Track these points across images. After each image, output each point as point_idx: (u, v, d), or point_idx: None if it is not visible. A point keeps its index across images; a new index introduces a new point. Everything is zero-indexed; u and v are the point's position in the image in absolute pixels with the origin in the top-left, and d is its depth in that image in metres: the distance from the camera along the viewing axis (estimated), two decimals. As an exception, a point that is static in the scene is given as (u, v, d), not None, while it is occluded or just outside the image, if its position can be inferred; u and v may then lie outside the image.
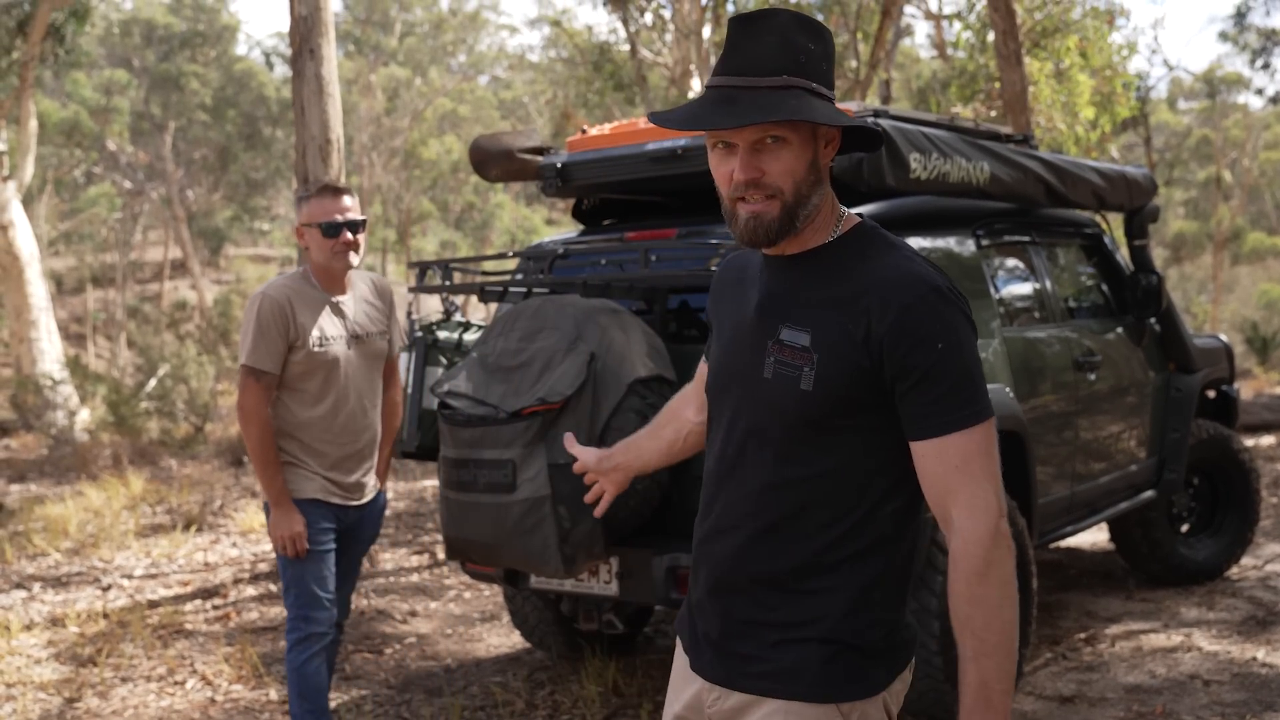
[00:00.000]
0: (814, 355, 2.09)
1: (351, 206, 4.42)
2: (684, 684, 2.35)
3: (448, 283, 5.40)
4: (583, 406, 4.41)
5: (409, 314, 5.48)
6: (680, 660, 2.39)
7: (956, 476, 2.07)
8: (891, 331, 2.05)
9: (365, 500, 4.60)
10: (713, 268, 4.73)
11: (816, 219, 2.17)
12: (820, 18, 19.46)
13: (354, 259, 4.41)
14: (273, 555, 8.78)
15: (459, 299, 5.74)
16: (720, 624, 2.25)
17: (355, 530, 4.62)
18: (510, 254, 5.54)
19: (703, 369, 2.58)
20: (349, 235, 4.36)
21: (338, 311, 4.43)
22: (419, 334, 5.31)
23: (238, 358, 19.82)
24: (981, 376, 2.10)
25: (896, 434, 2.13)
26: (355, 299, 4.51)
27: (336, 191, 4.40)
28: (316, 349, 4.31)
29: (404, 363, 5.30)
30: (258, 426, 4.27)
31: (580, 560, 4.50)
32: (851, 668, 2.15)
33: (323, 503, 4.43)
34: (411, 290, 5.53)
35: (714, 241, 4.85)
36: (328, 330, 4.37)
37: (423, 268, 5.52)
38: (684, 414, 2.70)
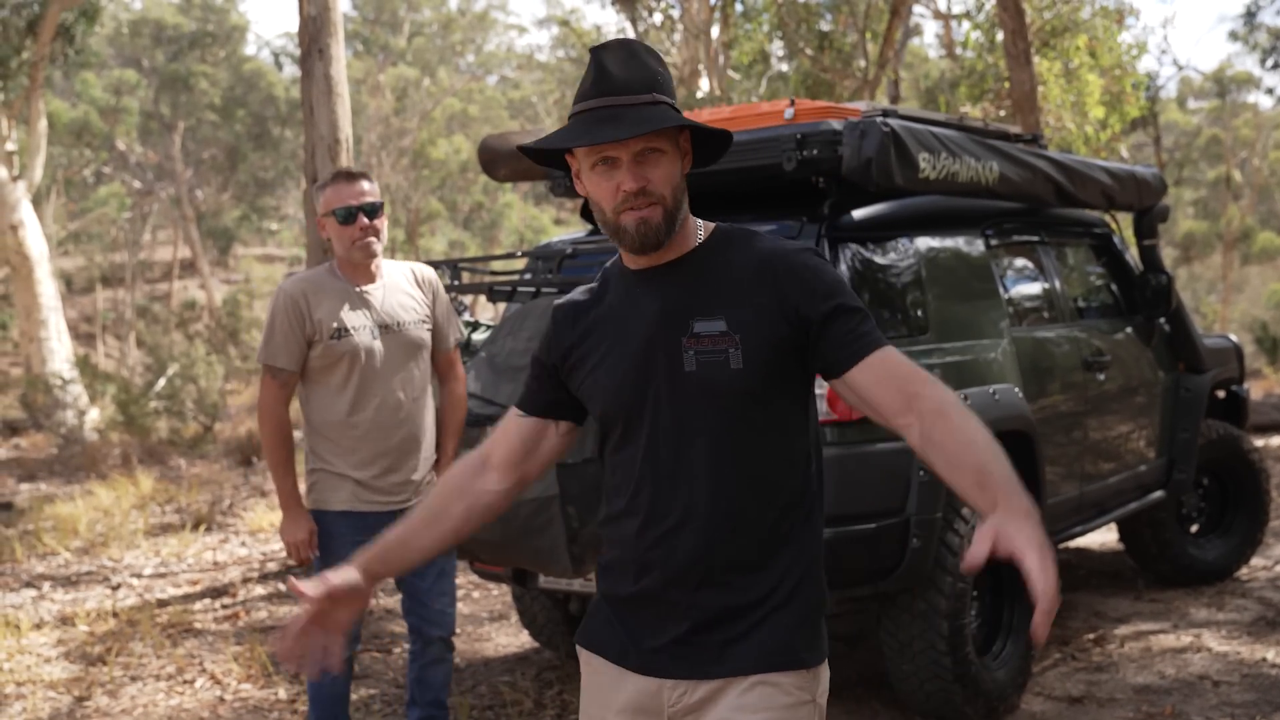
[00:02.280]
0: (735, 336, 2.25)
1: (368, 191, 4.24)
2: (613, 691, 2.36)
3: (456, 282, 5.40)
4: None
5: None
6: (599, 669, 2.39)
7: (901, 370, 2.24)
8: (800, 290, 2.25)
9: (416, 499, 4.32)
10: None
11: (685, 225, 2.34)
12: (828, 17, 19.46)
13: (376, 246, 4.24)
14: (282, 554, 8.79)
15: (467, 299, 5.71)
16: (688, 619, 2.28)
17: None
18: (519, 253, 5.54)
19: (511, 425, 2.55)
20: (365, 220, 4.19)
21: (363, 301, 4.24)
22: None
23: (248, 357, 19.78)
24: None
25: (809, 396, 2.36)
26: (386, 288, 4.31)
27: (351, 176, 4.25)
28: (333, 340, 4.15)
29: None
30: (271, 425, 4.16)
31: (589, 560, 4.50)
32: (813, 631, 2.32)
33: (353, 514, 4.22)
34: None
35: None
36: (350, 321, 4.19)
37: (433, 268, 5.52)
38: (477, 486, 2.47)
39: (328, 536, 4.22)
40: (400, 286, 4.35)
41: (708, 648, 2.26)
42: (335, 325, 4.16)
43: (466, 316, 5.54)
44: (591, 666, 2.40)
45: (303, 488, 4.35)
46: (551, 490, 4.31)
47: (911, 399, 2.20)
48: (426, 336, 4.36)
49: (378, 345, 4.21)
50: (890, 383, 2.22)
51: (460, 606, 7.34)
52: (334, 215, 4.19)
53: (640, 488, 2.32)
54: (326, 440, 4.23)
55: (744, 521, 2.27)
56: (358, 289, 4.25)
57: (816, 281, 2.26)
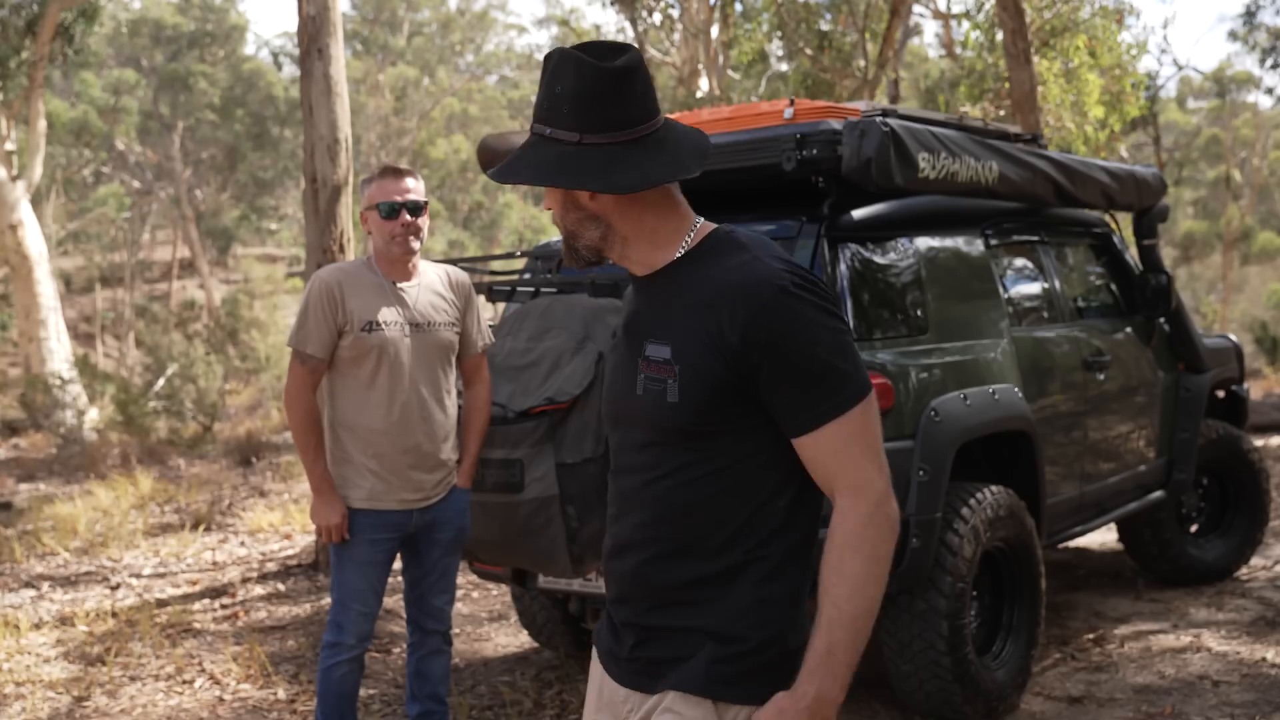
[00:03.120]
0: (675, 367, 2.12)
1: (413, 189, 4.25)
2: (600, 688, 2.37)
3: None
4: (591, 406, 4.41)
5: None
6: (596, 664, 2.41)
7: (836, 462, 2.10)
8: (743, 339, 2.07)
9: (436, 499, 4.35)
10: None
11: (644, 238, 2.22)
12: (828, 17, 19.46)
13: (415, 243, 4.24)
14: (282, 554, 8.79)
15: None
16: (632, 634, 2.27)
17: (429, 532, 4.38)
18: (518, 253, 5.54)
19: None
20: (408, 217, 4.20)
21: (398, 298, 4.24)
22: None
23: (247, 357, 19.72)
24: (848, 357, 2.11)
25: (776, 428, 2.15)
26: (421, 287, 4.31)
27: (398, 173, 4.25)
28: (364, 333, 4.14)
29: None
30: (299, 411, 4.16)
31: (588, 560, 4.49)
32: (741, 669, 2.16)
33: (372, 511, 4.24)
34: None
35: None
36: (382, 315, 4.18)
37: None
38: None
39: (351, 532, 4.26)
40: (434, 287, 4.35)
41: (647, 663, 2.24)
42: (367, 318, 4.16)
43: None
44: (595, 660, 2.41)
45: None
46: (551, 490, 4.31)
47: (831, 500, 2.13)
48: (455, 340, 4.37)
49: (407, 343, 4.21)
50: (819, 471, 2.13)
51: (459, 607, 7.34)
52: (377, 209, 4.21)
53: (613, 501, 2.32)
54: (349, 434, 4.23)
55: (682, 550, 2.18)
56: (393, 285, 4.26)
57: (771, 331, 2.06)
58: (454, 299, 4.39)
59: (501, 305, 5.54)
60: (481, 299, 5.10)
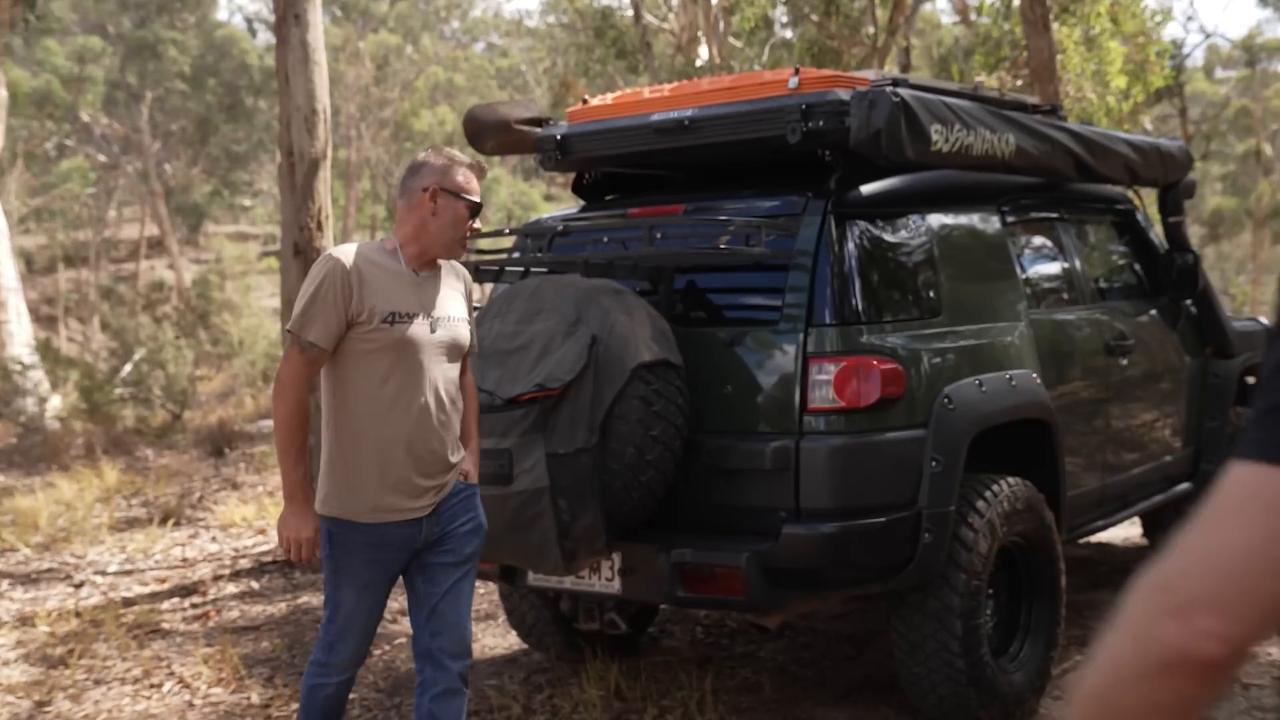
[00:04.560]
0: None
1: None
2: None
3: None
4: (584, 393, 4.40)
5: None
6: None
7: None
8: None
9: (441, 504, 4.08)
10: (722, 245, 4.73)
11: None
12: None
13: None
14: (256, 550, 8.78)
15: None
16: None
17: (441, 546, 4.08)
18: (507, 231, 5.53)
19: None
20: (475, 220, 4.09)
21: (420, 288, 4.03)
22: None
23: (219, 341, 19.52)
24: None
25: None
26: (441, 279, 4.13)
27: (482, 173, 4.12)
28: (385, 325, 3.92)
29: None
30: (290, 403, 3.86)
31: (581, 556, 4.49)
32: None
33: (373, 526, 3.98)
34: None
35: (723, 218, 4.84)
36: (404, 306, 3.97)
37: None
38: None
39: (343, 547, 3.99)
40: (449, 280, 4.18)
41: None
42: (390, 309, 3.94)
43: None
44: None
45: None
46: (542, 482, 4.31)
47: None
48: (468, 334, 4.19)
49: (430, 338, 4.01)
50: None
51: (445, 605, 7.33)
52: (463, 200, 4.02)
53: None
54: (353, 438, 3.96)
55: None
56: (415, 273, 4.05)
57: None
58: (463, 290, 4.23)
59: (489, 286, 5.53)
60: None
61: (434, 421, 3.99)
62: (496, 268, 5.25)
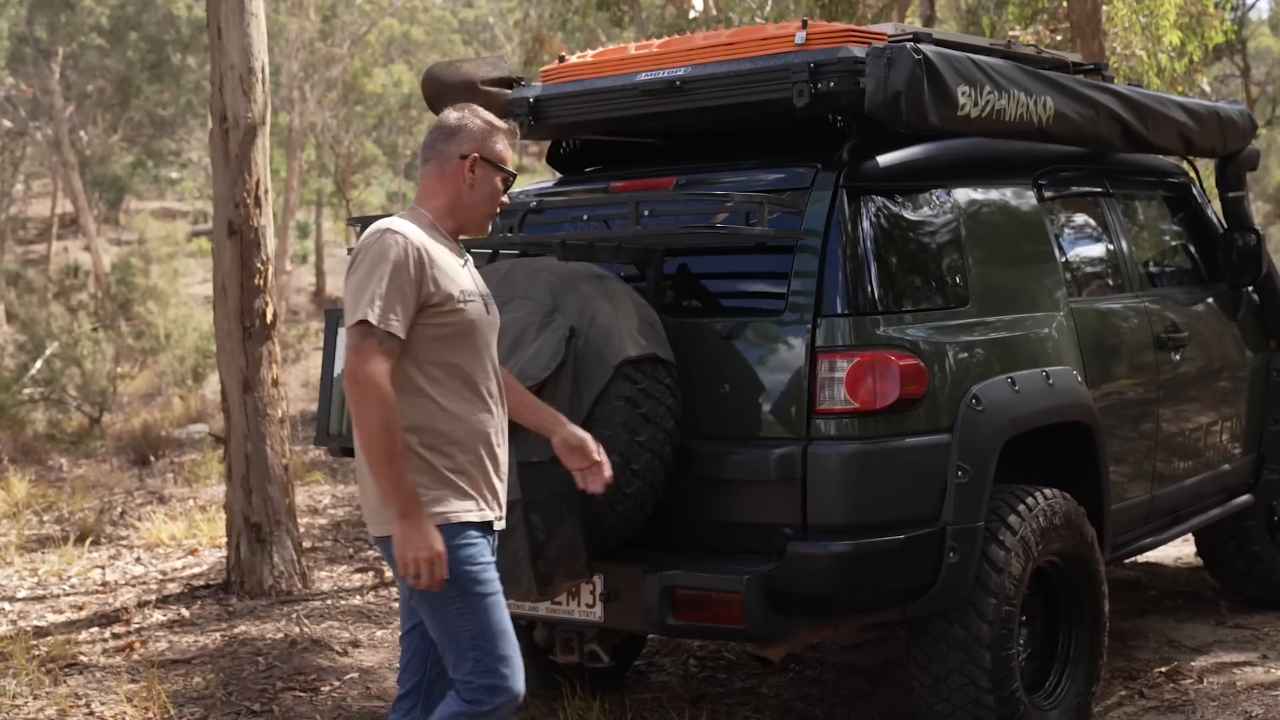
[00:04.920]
0: None
1: None
2: None
3: None
4: (560, 392, 4.41)
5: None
6: None
7: None
8: None
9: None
10: (719, 225, 4.74)
11: None
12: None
13: None
14: (186, 572, 8.78)
15: None
16: None
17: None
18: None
19: None
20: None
21: (466, 266, 4.10)
22: None
23: (142, 334, 19.39)
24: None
25: None
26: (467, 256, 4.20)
27: (515, 137, 4.22)
28: (460, 304, 3.93)
29: (341, 338, 5.31)
30: (384, 405, 3.76)
31: (558, 579, 4.50)
32: None
33: (484, 526, 3.97)
34: (351, 252, 5.52)
35: (720, 193, 4.85)
36: (466, 284, 4.00)
37: (366, 224, 5.50)
38: None
39: (465, 559, 3.89)
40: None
41: None
42: (460, 287, 3.96)
43: None
44: None
45: None
46: (513, 495, 4.30)
47: None
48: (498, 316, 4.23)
49: (486, 319, 4.07)
50: None
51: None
52: (500, 171, 4.08)
53: None
54: (438, 436, 3.93)
55: None
56: (458, 250, 4.12)
57: None
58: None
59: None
60: None
61: (500, 411, 4.06)
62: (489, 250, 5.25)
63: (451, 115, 4.11)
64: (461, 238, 4.16)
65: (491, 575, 3.94)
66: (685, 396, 4.70)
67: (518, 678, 3.92)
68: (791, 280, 4.73)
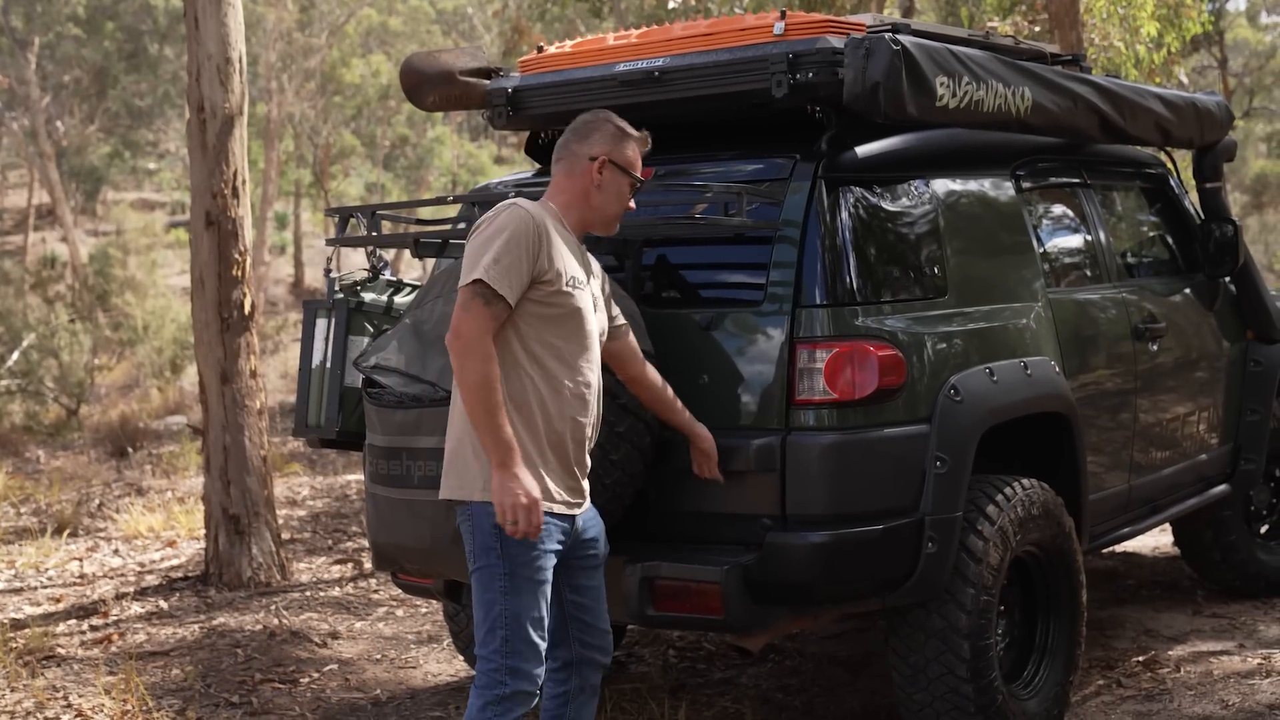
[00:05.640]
0: None
1: None
2: None
3: (375, 234, 5.38)
4: None
5: (327, 272, 5.47)
6: None
7: None
8: None
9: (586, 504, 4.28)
10: (697, 215, 4.74)
11: None
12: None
13: None
14: (164, 564, 8.76)
15: (389, 254, 5.67)
16: None
17: (583, 544, 4.26)
18: (450, 198, 5.51)
19: None
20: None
21: (585, 259, 4.28)
22: (339, 295, 5.31)
23: (120, 326, 19.34)
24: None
25: None
26: (591, 255, 4.38)
27: (647, 147, 4.34)
28: (570, 288, 4.06)
29: (321, 330, 5.30)
30: (480, 358, 3.88)
31: None
32: None
33: (551, 516, 4.05)
34: (330, 243, 5.51)
35: (698, 183, 4.85)
36: (579, 272, 4.15)
37: (344, 215, 5.50)
38: None
39: (526, 543, 3.98)
40: (594, 259, 4.44)
41: None
42: (572, 273, 4.11)
43: (388, 275, 5.53)
44: None
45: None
46: None
47: None
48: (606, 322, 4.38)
49: (594, 314, 4.20)
50: None
51: (381, 627, 7.35)
52: (630, 176, 4.27)
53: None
54: (523, 413, 4.02)
55: None
56: (580, 244, 4.30)
57: None
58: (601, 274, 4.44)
59: (431, 262, 5.52)
60: (407, 254, 5.09)
61: (596, 406, 4.19)
62: (440, 241, 5.24)
63: (588, 116, 4.30)
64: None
65: (546, 564, 4.05)
66: (665, 387, 4.70)
67: (539, 669, 4.04)
68: (770, 271, 4.74)
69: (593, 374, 4.15)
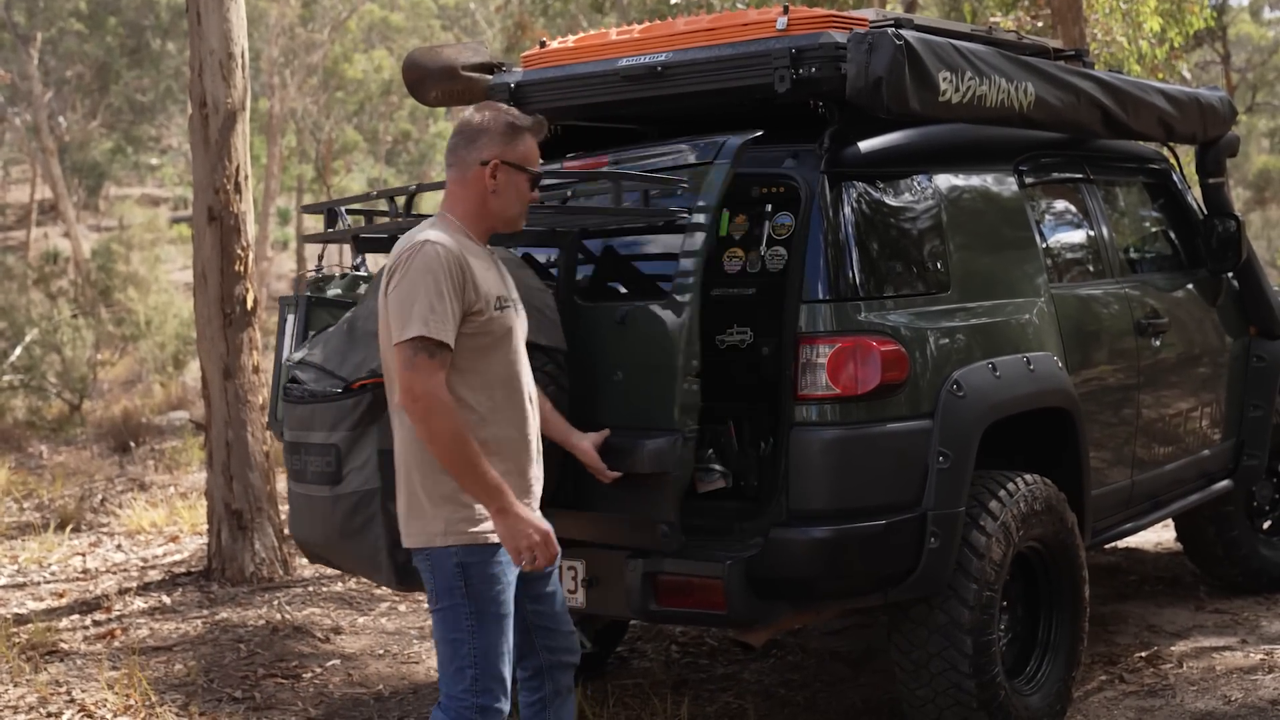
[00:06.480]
0: None
1: None
2: None
3: (330, 230, 5.35)
4: None
5: (315, 269, 5.47)
6: None
7: None
8: None
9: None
10: (650, 204, 4.71)
11: None
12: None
13: None
14: (167, 559, 8.77)
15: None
16: None
17: None
18: (374, 193, 5.43)
19: None
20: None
21: (498, 269, 4.11)
22: (308, 292, 5.27)
23: (123, 321, 19.35)
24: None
25: None
26: (496, 258, 4.22)
27: (542, 132, 4.14)
28: (498, 312, 3.96)
29: (289, 326, 5.27)
30: (443, 415, 3.78)
31: (419, 572, 4.36)
32: None
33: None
34: (305, 240, 5.50)
35: (618, 173, 4.80)
36: (500, 289, 4.04)
37: (331, 213, 5.46)
38: None
39: (482, 578, 3.93)
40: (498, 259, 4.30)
41: None
42: (496, 293, 3.99)
43: (365, 270, 5.51)
44: None
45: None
46: (372, 483, 4.20)
47: None
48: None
49: (519, 323, 4.11)
50: None
51: (384, 622, 7.35)
52: (527, 174, 4.08)
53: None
54: (481, 444, 3.89)
55: None
56: (489, 252, 4.14)
57: None
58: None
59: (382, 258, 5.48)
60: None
61: (534, 415, 4.10)
62: (386, 235, 5.18)
63: (474, 117, 4.08)
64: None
65: (510, 596, 4.00)
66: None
67: (507, 700, 3.98)
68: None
69: (529, 381, 4.09)
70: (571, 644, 4.32)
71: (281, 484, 10.31)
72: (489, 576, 3.92)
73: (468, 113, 4.13)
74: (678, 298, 4.47)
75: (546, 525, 3.91)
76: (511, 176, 4.04)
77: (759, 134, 4.73)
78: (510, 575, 3.98)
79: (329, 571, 8.39)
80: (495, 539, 3.91)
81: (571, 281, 4.86)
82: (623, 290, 5.06)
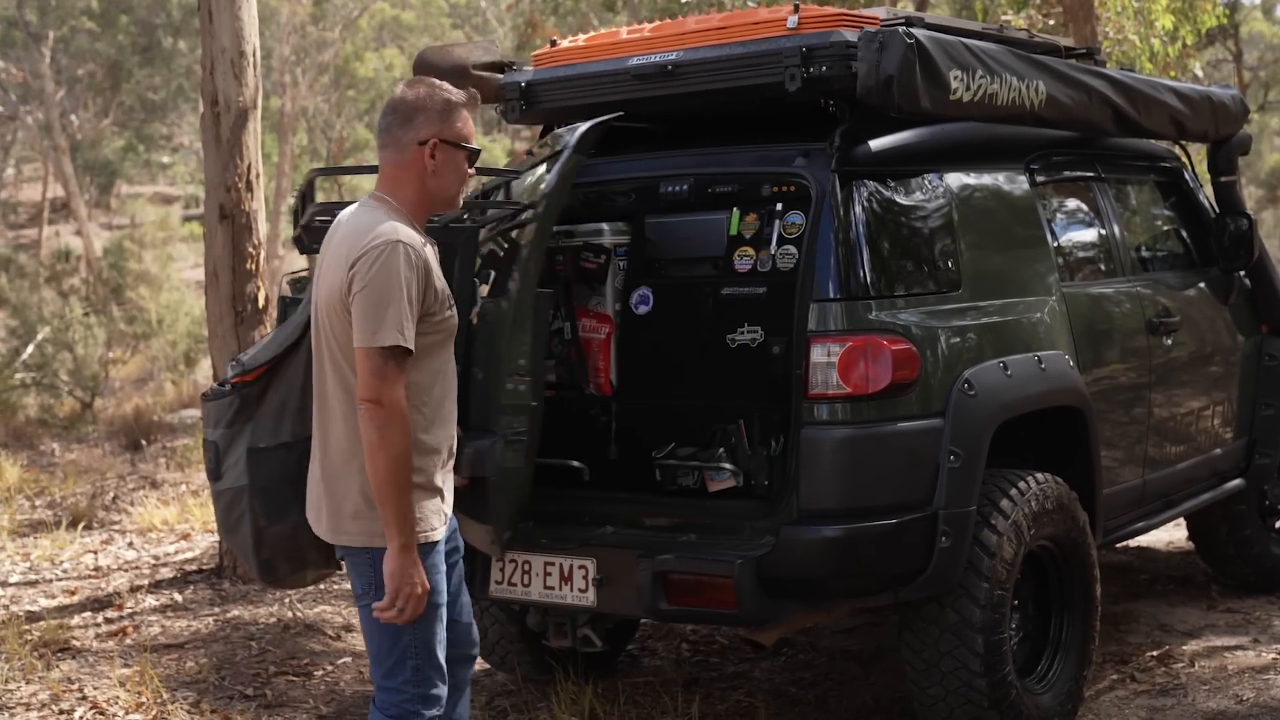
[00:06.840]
0: None
1: None
2: None
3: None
4: (289, 377, 4.20)
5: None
6: None
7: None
8: None
9: None
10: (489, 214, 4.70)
11: None
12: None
13: None
14: (179, 557, 8.78)
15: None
16: None
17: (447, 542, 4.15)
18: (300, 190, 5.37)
19: None
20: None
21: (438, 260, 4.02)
22: (288, 292, 5.24)
23: (134, 320, 19.37)
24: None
25: None
26: None
27: (476, 105, 4.12)
28: (450, 309, 3.91)
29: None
30: (402, 431, 3.71)
31: (282, 569, 4.29)
32: None
33: (446, 538, 4.02)
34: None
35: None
36: (446, 287, 3.94)
37: (329, 211, 5.40)
38: None
39: (432, 570, 3.89)
40: None
41: None
42: (446, 291, 3.92)
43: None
44: None
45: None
46: (242, 480, 4.20)
47: None
48: None
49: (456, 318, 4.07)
50: None
51: (395, 620, 7.34)
52: (465, 151, 3.97)
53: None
54: (423, 449, 3.88)
55: None
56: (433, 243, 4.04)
57: None
58: None
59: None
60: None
61: (456, 409, 4.07)
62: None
63: (407, 94, 3.96)
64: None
65: (444, 585, 3.97)
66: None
67: (445, 686, 3.98)
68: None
69: (456, 383, 4.06)
70: (473, 635, 4.27)
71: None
72: (429, 566, 3.86)
73: (399, 90, 4.02)
74: (507, 292, 4.50)
75: (429, 584, 3.81)
76: (450, 155, 3.92)
77: (607, 118, 4.80)
78: (444, 565, 3.97)
79: (339, 569, 8.40)
80: (437, 537, 3.90)
81: (471, 278, 4.68)
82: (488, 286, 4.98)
